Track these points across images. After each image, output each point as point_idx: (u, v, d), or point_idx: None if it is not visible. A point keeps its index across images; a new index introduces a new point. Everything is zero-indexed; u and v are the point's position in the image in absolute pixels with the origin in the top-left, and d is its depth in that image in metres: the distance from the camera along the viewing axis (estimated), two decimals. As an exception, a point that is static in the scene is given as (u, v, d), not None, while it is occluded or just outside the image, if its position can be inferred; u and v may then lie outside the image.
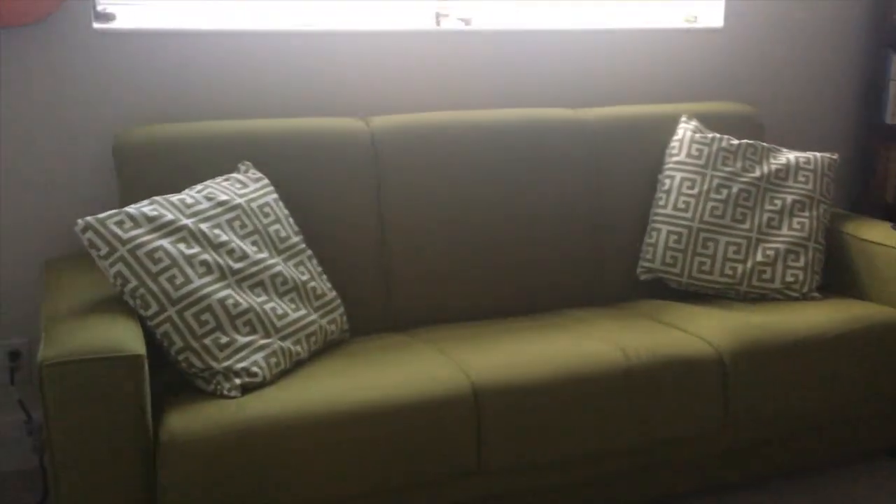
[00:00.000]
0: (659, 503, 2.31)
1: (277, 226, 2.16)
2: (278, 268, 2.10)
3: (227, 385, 1.89)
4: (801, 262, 2.54)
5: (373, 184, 2.40)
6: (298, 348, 2.06)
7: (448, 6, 2.75)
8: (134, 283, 1.89)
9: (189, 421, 1.77)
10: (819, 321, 2.33)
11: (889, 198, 3.24)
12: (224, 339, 1.93)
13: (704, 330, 2.28)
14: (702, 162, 2.60)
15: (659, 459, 2.21)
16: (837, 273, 2.63)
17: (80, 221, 1.90)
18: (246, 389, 1.91)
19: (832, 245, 2.64)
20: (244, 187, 2.17)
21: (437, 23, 2.74)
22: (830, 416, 2.38)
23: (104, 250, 1.90)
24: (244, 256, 2.05)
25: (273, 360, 1.98)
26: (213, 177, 2.20)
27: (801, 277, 2.53)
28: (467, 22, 2.77)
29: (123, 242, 1.90)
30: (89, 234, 1.90)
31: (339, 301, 2.23)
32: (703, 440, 2.23)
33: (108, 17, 2.40)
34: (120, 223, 1.92)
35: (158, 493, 1.75)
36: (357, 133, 2.43)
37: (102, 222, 1.91)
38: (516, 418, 1.99)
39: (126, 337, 1.76)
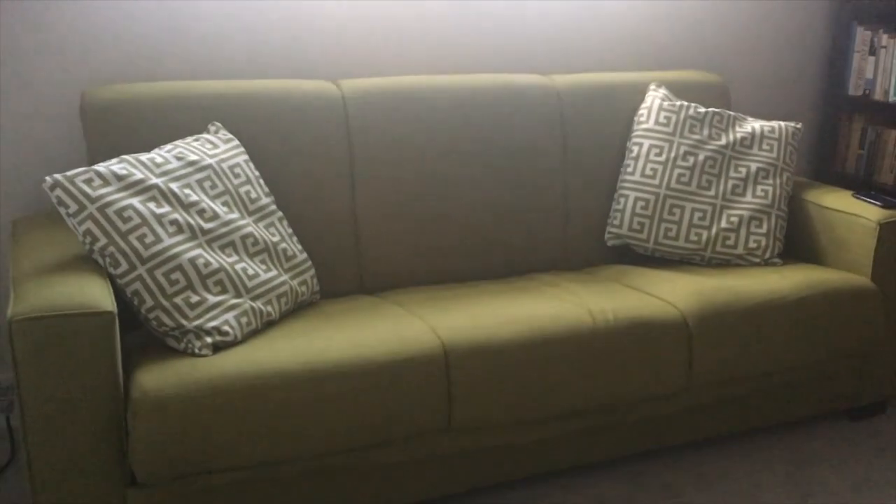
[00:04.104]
0: (625, 461, 2.37)
1: (248, 187, 2.16)
2: (249, 229, 2.10)
3: (198, 343, 1.90)
4: (764, 229, 2.60)
5: (344, 146, 2.41)
6: (269, 308, 2.07)
7: (420, -30, 2.74)
8: (103, 241, 1.88)
9: (160, 378, 1.77)
10: (780, 286, 2.38)
11: (850, 167, 3.31)
12: (195, 298, 1.93)
13: (669, 293, 2.32)
14: (669, 129, 2.63)
15: (625, 418, 2.26)
16: (799, 240, 2.69)
17: (48, 179, 1.89)
18: (217, 348, 1.92)
19: (794, 212, 2.70)
20: (214, 148, 2.16)
21: (409, -14, 2.73)
22: (791, 377, 2.45)
23: (73, 208, 1.88)
24: (215, 217, 2.04)
25: (244, 319, 1.99)
26: (182, 137, 2.19)
27: (763, 244, 2.59)
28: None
29: (92, 200, 1.89)
30: (58, 192, 1.88)
31: (309, 263, 2.24)
32: (667, 399, 2.28)
33: (74, -26, 2.36)
34: (89, 181, 1.91)
35: (129, 450, 1.75)
36: (328, 95, 2.42)
37: (71, 180, 1.90)
38: (486, 377, 2.02)
39: (97, 294, 1.75)
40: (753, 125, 2.70)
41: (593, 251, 2.66)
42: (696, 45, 3.11)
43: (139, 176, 1.97)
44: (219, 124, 2.24)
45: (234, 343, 1.95)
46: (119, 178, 1.94)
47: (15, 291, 1.77)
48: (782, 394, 2.49)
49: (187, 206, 2.01)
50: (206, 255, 1.98)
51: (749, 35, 3.20)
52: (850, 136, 3.31)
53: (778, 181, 2.64)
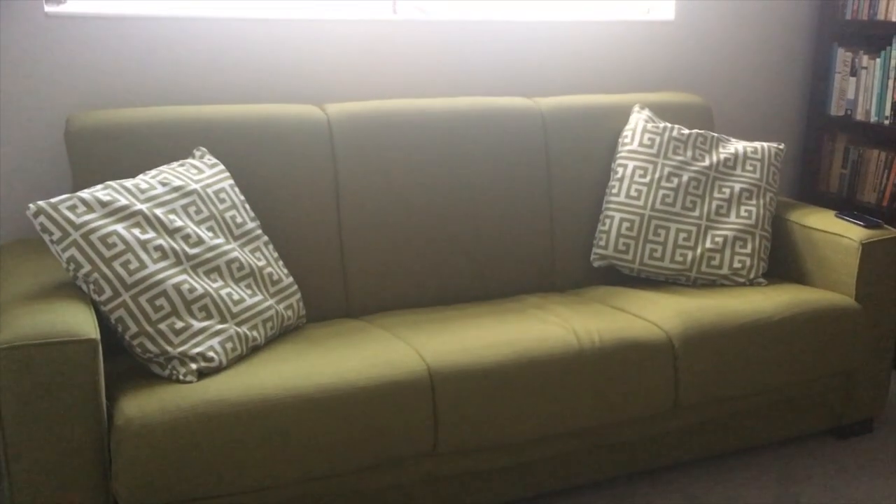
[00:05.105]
0: (611, 482, 2.37)
1: (233, 212, 2.16)
2: (234, 253, 2.10)
3: (182, 370, 1.89)
4: (749, 249, 2.61)
5: (329, 170, 2.41)
6: (255, 334, 2.07)
7: (405, -6, 2.77)
8: (87, 267, 1.88)
9: (144, 405, 1.76)
10: (765, 306, 2.40)
11: (833, 187, 3.33)
12: (179, 325, 1.93)
13: (655, 314, 2.33)
14: (654, 151, 2.65)
15: (611, 440, 2.26)
16: (783, 259, 2.70)
17: (31, 206, 1.88)
18: (202, 374, 1.91)
19: (778, 232, 2.71)
20: (200, 173, 2.16)
21: (394, 11, 2.75)
22: (776, 396, 2.46)
23: (57, 235, 1.88)
24: (200, 242, 2.04)
25: (229, 345, 1.99)
26: (167, 162, 2.19)
27: (748, 264, 2.60)
28: (424, 11, 2.79)
29: (76, 227, 1.89)
30: (41, 219, 1.88)
31: (295, 287, 2.24)
32: (654, 421, 2.28)
33: (59, 0, 2.37)
34: (73, 207, 1.91)
35: (113, 477, 1.74)
36: (314, 120, 2.43)
37: (55, 206, 1.89)
38: (472, 401, 2.02)
39: (80, 321, 1.75)
40: (736, 146, 2.72)
41: (579, 272, 2.67)
42: (678, 67, 3.14)
43: (123, 202, 1.97)
44: (204, 149, 2.24)
45: (219, 369, 1.94)
46: (103, 204, 1.94)
47: (-2, 319, 1.77)
48: (768, 413, 2.49)
49: (172, 232, 2.01)
50: (190, 280, 1.98)
51: (731, 56, 3.23)
52: (833, 156, 3.34)
53: (761, 201, 2.66)
